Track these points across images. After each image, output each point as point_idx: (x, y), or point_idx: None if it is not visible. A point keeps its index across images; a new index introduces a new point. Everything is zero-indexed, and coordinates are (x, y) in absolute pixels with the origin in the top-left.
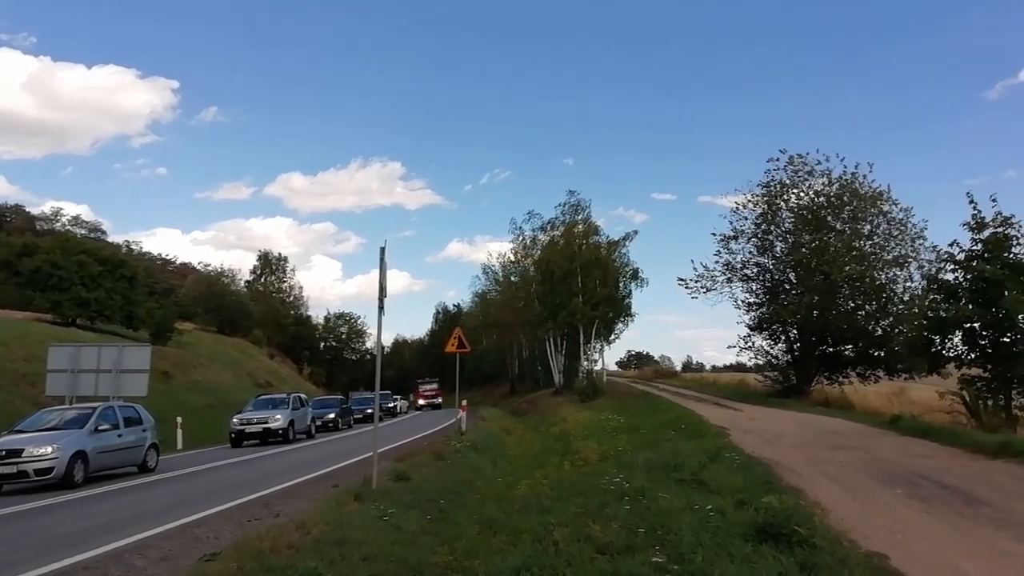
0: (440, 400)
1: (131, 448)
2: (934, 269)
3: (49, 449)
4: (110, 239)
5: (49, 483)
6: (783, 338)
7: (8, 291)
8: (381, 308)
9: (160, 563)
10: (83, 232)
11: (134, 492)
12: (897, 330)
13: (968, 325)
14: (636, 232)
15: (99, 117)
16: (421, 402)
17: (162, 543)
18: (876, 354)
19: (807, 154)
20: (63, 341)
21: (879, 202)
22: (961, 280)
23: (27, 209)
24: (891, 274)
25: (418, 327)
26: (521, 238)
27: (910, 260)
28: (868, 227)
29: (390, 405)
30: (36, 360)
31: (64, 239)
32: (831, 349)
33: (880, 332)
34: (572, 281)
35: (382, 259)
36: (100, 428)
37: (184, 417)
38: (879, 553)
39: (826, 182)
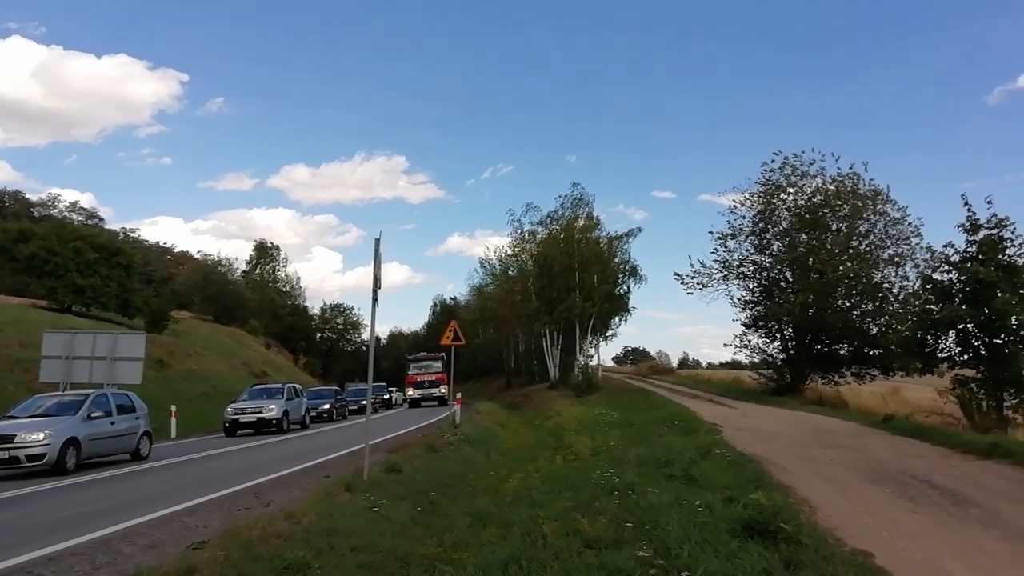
0: (444, 391)
1: (124, 435)
2: (929, 269)
3: (41, 435)
4: (109, 227)
5: (41, 469)
6: (778, 336)
7: (3, 277)
8: (375, 299)
9: (148, 551)
10: (80, 219)
11: (126, 479)
12: (892, 329)
13: (961, 326)
14: (640, 229)
15: (106, 106)
16: (411, 393)
17: (151, 530)
18: (871, 353)
19: (802, 153)
20: (58, 328)
21: (877, 200)
22: (955, 281)
23: (25, 195)
24: (887, 273)
25: (417, 320)
26: (520, 231)
27: (906, 259)
28: (866, 225)
29: (385, 397)
30: (31, 346)
31: (60, 225)
32: (826, 348)
33: (875, 331)
34: (570, 276)
35: (376, 250)
36: (93, 415)
37: (179, 405)
38: (864, 551)
39: (822, 182)
